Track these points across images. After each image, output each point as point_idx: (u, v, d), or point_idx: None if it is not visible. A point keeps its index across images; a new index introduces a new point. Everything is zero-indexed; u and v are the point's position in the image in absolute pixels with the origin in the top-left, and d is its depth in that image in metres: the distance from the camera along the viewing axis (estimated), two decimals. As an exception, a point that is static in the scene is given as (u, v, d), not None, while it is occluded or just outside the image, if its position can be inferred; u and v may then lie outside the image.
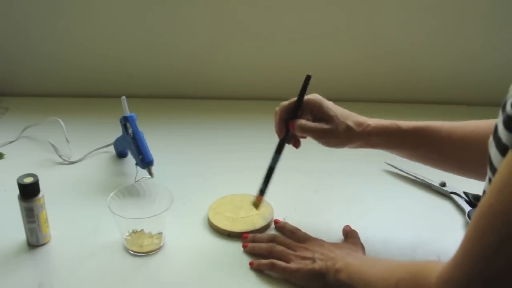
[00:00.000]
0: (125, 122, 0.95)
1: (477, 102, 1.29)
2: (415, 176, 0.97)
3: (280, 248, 0.74)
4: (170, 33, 1.25)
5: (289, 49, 1.27)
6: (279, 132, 0.78)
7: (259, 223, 0.81)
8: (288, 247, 0.74)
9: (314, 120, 0.76)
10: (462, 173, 0.76)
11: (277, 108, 0.78)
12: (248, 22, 1.24)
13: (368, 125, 0.75)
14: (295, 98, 0.76)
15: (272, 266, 0.71)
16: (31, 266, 0.74)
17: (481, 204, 0.44)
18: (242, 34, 1.25)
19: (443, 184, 0.93)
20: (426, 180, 0.95)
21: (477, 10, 1.22)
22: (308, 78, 0.75)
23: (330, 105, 0.76)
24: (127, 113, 0.96)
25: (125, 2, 1.21)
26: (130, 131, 0.94)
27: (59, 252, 0.77)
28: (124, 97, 0.96)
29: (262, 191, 0.78)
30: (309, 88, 0.76)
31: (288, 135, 0.77)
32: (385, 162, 1.02)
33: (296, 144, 0.79)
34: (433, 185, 0.94)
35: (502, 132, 0.44)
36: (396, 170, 1.00)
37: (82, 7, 1.22)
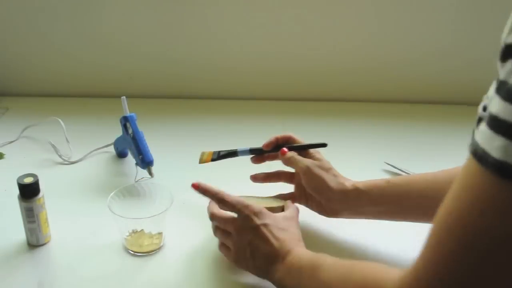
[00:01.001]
0: (125, 122, 0.95)
1: (477, 102, 1.29)
2: (415, 176, 0.97)
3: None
4: (170, 34, 1.25)
5: (289, 49, 1.27)
6: (267, 144, 0.82)
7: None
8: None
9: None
10: (425, 220, 0.70)
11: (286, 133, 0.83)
12: (248, 22, 1.24)
13: (355, 184, 0.77)
14: (301, 141, 0.82)
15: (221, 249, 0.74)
16: (31, 266, 0.74)
17: (440, 212, 0.43)
18: (242, 34, 1.25)
19: (443, 184, 0.93)
20: (426, 180, 0.95)
21: (477, 11, 1.21)
22: (323, 145, 0.80)
23: (325, 165, 0.78)
24: (127, 113, 0.96)
25: (125, 2, 1.21)
26: (130, 131, 0.94)
27: (59, 252, 0.77)
28: (124, 97, 0.96)
29: (217, 154, 0.86)
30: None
31: (269, 153, 0.82)
32: (385, 162, 1.01)
33: (261, 161, 0.84)
34: (433, 185, 0.94)
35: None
36: (396, 170, 1.00)
37: (82, 7, 1.21)
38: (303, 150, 0.80)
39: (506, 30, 0.43)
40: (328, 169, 0.77)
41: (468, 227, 0.40)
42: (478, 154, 0.39)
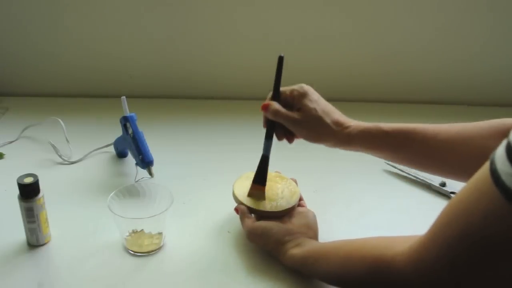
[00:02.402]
0: (125, 122, 0.95)
1: (477, 102, 1.29)
2: (415, 176, 0.97)
3: None
4: (170, 33, 1.25)
5: (290, 49, 1.27)
6: (264, 123, 0.78)
7: (282, 206, 0.80)
8: None
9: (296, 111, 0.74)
10: (446, 175, 0.75)
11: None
12: (248, 22, 1.24)
13: (349, 126, 0.73)
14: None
15: (241, 214, 0.77)
16: (31, 266, 0.74)
17: (454, 197, 0.46)
18: (242, 34, 1.25)
19: (443, 184, 0.93)
20: (426, 180, 0.95)
21: (478, 12, 1.22)
22: (280, 59, 0.74)
23: (313, 98, 0.74)
24: (127, 113, 0.96)
25: (125, 2, 1.21)
26: (130, 131, 0.94)
27: (59, 252, 0.77)
28: (124, 97, 0.96)
29: (256, 180, 0.79)
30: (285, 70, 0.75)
31: (275, 123, 0.76)
32: (385, 162, 1.02)
33: (289, 139, 0.78)
34: (433, 185, 0.94)
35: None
36: (396, 170, 1.00)
37: (82, 7, 1.21)
38: (277, 85, 0.75)
39: None
40: (316, 116, 0.73)
41: (472, 222, 0.43)
42: (493, 168, 0.41)
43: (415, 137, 0.70)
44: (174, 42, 1.26)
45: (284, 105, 0.75)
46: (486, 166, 0.42)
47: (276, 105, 0.74)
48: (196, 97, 1.31)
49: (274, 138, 0.78)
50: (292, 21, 1.23)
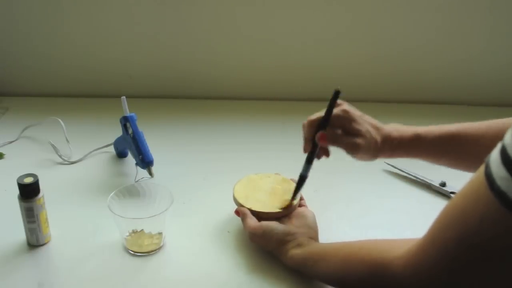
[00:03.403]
0: (125, 122, 0.95)
1: (477, 102, 1.29)
2: (415, 176, 0.97)
3: None
4: (170, 33, 1.25)
5: (290, 49, 1.27)
6: (306, 148, 0.76)
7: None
8: None
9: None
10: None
11: (305, 122, 0.76)
12: (248, 22, 1.24)
13: (393, 140, 0.73)
14: (322, 112, 0.74)
15: (242, 216, 0.77)
16: (31, 266, 0.74)
17: (451, 200, 0.47)
18: (242, 34, 1.25)
19: (443, 184, 0.93)
20: (426, 180, 0.95)
21: (478, 12, 1.22)
22: (337, 93, 0.73)
23: (359, 120, 0.73)
24: (127, 113, 0.95)
25: (125, 2, 1.21)
26: (130, 131, 0.94)
27: (59, 252, 0.77)
28: (124, 97, 0.95)
29: (293, 197, 0.80)
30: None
31: (317, 149, 0.75)
32: (385, 162, 1.02)
33: (327, 154, 0.78)
34: (433, 185, 0.94)
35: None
36: (396, 170, 1.00)
37: (82, 7, 1.21)
38: (330, 116, 0.73)
39: None
40: (372, 139, 0.72)
41: (469, 226, 0.43)
42: (488, 172, 0.41)
43: (455, 144, 0.71)
44: (174, 42, 1.26)
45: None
46: (481, 170, 0.42)
47: (333, 132, 0.73)
48: (196, 97, 1.31)
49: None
50: (292, 21, 1.23)
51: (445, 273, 0.45)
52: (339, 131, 0.73)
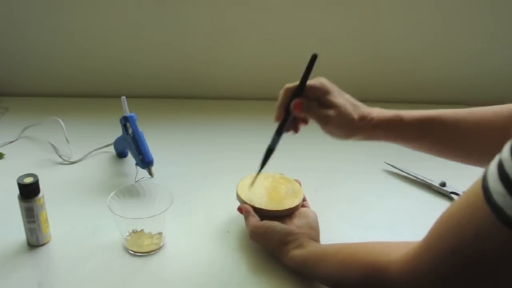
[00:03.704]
0: (125, 122, 0.95)
1: (477, 102, 1.29)
2: (415, 176, 0.97)
3: None
4: (170, 33, 1.25)
5: (290, 49, 1.27)
6: (278, 117, 0.74)
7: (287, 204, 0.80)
8: None
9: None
10: (466, 162, 0.74)
11: (281, 91, 0.75)
12: (248, 22, 1.24)
13: (372, 118, 0.72)
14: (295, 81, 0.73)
15: (245, 213, 0.77)
16: (31, 266, 0.74)
17: (448, 209, 0.46)
18: (242, 34, 1.25)
19: (443, 184, 0.93)
20: (426, 180, 0.95)
21: (478, 12, 1.22)
22: (314, 57, 0.71)
23: (335, 94, 0.72)
24: (127, 113, 0.95)
25: (125, 2, 1.21)
26: (130, 131, 0.94)
27: (59, 252, 0.77)
28: (124, 97, 0.95)
29: (259, 171, 0.78)
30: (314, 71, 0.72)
31: (289, 117, 0.74)
32: (385, 162, 1.02)
33: (296, 129, 0.77)
34: (433, 185, 0.94)
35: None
36: (396, 170, 1.00)
37: (82, 7, 1.22)
38: (305, 82, 0.72)
39: None
40: (346, 113, 0.71)
41: (464, 238, 0.43)
42: (485, 185, 0.41)
43: (435, 127, 0.70)
44: (174, 42, 1.26)
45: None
46: (479, 182, 0.42)
47: (307, 102, 0.72)
48: (196, 97, 1.31)
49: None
50: (292, 22, 1.23)
51: (440, 281, 0.45)
52: (314, 103, 0.72)
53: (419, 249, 0.48)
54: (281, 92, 0.74)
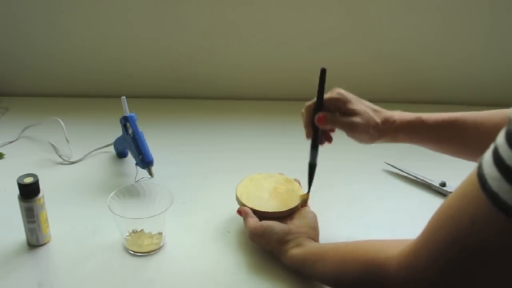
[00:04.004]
0: (125, 122, 0.95)
1: (477, 102, 1.29)
2: (415, 176, 0.97)
3: None
4: (170, 33, 1.25)
5: (290, 49, 1.27)
6: (308, 134, 0.77)
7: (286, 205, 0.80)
8: None
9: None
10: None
11: (303, 110, 0.77)
12: (248, 22, 1.24)
13: (394, 121, 0.74)
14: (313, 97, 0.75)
15: (244, 215, 0.78)
16: (31, 266, 0.74)
17: (445, 200, 0.46)
18: (242, 34, 1.25)
19: (443, 184, 0.93)
20: (426, 180, 0.95)
21: (478, 12, 1.22)
22: (323, 72, 0.74)
23: (355, 101, 0.75)
24: (127, 113, 0.95)
25: (125, 2, 1.21)
26: (130, 131, 0.94)
27: (59, 252, 0.77)
28: (124, 97, 0.95)
29: (309, 189, 0.81)
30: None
31: (318, 132, 0.76)
32: (385, 162, 1.02)
33: (329, 140, 0.79)
34: (433, 185, 0.94)
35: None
36: (396, 170, 1.00)
37: (82, 7, 1.21)
38: (322, 96, 0.75)
39: None
40: (370, 117, 0.73)
41: (461, 228, 0.43)
42: (480, 173, 0.41)
43: (455, 130, 0.72)
44: (174, 42, 1.26)
45: None
46: (474, 171, 0.42)
47: (330, 114, 0.74)
48: (196, 97, 1.31)
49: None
50: (292, 22, 1.23)
51: (438, 274, 0.45)
52: (337, 113, 0.74)
53: (416, 244, 0.48)
54: (303, 111, 0.77)
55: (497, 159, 0.39)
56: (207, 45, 1.26)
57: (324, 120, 0.74)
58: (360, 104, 0.74)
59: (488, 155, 0.40)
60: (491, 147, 0.41)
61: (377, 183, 0.98)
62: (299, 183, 0.85)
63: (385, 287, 0.52)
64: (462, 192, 0.44)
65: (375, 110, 0.75)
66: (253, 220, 0.76)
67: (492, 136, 0.68)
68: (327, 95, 0.75)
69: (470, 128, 0.71)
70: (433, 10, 1.22)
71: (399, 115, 0.75)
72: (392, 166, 1.01)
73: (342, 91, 0.76)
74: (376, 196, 0.93)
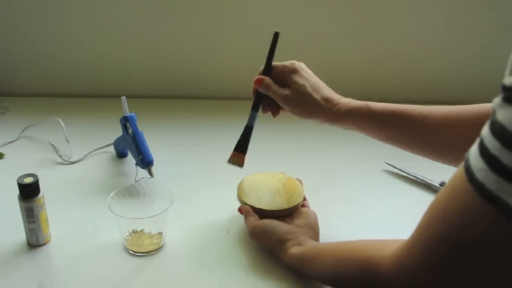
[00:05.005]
0: (125, 122, 0.95)
1: (477, 102, 1.29)
2: (415, 176, 0.97)
3: None
4: (170, 33, 1.25)
5: (290, 49, 1.26)
6: (253, 93, 0.79)
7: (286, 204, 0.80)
8: None
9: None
10: (432, 157, 0.75)
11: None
12: (248, 22, 1.24)
13: (337, 103, 0.74)
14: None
15: (245, 213, 0.78)
16: (31, 266, 0.74)
17: (434, 198, 0.47)
18: (242, 34, 1.25)
19: (443, 184, 0.93)
20: (426, 180, 0.95)
21: (478, 12, 1.22)
22: (276, 35, 0.75)
23: (304, 74, 0.75)
24: (127, 113, 0.96)
25: (125, 2, 1.21)
26: (130, 131, 0.94)
27: (59, 252, 0.77)
28: (124, 97, 0.96)
29: (237, 148, 0.80)
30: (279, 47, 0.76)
31: (262, 98, 0.77)
32: (385, 162, 1.02)
33: (274, 113, 0.80)
34: (433, 185, 0.94)
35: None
36: (396, 170, 1.00)
37: (82, 7, 1.22)
38: (270, 60, 0.77)
39: (507, 71, 0.43)
40: (305, 93, 0.74)
41: (449, 222, 0.43)
42: (467, 165, 0.41)
43: (402, 118, 0.71)
44: (174, 42, 1.26)
45: (275, 80, 0.77)
46: (461, 165, 0.42)
47: (268, 80, 0.76)
48: (196, 97, 1.31)
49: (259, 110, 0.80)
50: (292, 21, 1.23)
51: (430, 271, 0.45)
52: (273, 82, 0.75)
53: (408, 242, 0.48)
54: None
55: (483, 150, 0.39)
56: (207, 45, 1.26)
57: (259, 83, 0.75)
58: (302, 79, 0.74)
59: (474, 148, 0.40)
60: (478, 140, 0.41)
61: (377, 183, 0.98)
62: (301, 182, 0.85)
63: (379, 286, 0.52)
64: (450, 186, 0.44)
65: (317, 88, 0.75)
66: (254, 219, 0.76)
67: (435, 129, 0.69)
68: (283, 63, 0.76)
69: (415, 119, 0.70)
70: (434, 10, 1.22)
71: (347, 100, 0.75)
72: (392, 166, 1.01)
73: (297, 63, 0.77)
74: (376, 196, 0.93)
